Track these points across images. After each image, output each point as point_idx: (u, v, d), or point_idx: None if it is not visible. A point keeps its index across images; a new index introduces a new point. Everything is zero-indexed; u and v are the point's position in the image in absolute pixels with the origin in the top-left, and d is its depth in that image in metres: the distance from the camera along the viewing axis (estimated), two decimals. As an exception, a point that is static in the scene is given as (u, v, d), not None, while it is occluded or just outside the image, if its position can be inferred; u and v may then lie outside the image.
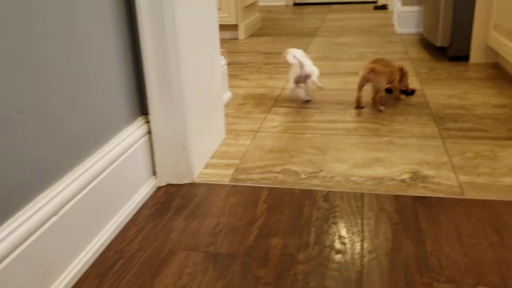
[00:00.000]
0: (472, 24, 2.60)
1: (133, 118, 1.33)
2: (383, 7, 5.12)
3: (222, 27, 3.74)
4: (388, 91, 2.20)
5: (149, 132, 1.38)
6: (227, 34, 3.78)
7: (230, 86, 2.40)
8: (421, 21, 3.28)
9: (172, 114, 1.36)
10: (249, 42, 3.62)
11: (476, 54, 2.65)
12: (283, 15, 5.02)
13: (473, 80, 2.34)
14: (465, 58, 2.70)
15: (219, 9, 3.66)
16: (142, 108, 1.38)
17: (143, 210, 1.30)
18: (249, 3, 3.89)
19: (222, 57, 2.15)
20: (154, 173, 1.42)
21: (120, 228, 1.22)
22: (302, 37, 3.69)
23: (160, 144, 1.38)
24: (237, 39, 3.75)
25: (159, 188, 1.42)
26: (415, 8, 3.57)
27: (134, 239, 1.18)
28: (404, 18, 3.62)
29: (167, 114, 1.36)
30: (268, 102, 2.15)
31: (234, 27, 3.74)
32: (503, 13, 2.32)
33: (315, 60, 2.91)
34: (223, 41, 3.63)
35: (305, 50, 3.21)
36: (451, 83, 2.30)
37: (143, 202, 1.34)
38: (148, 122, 1.38)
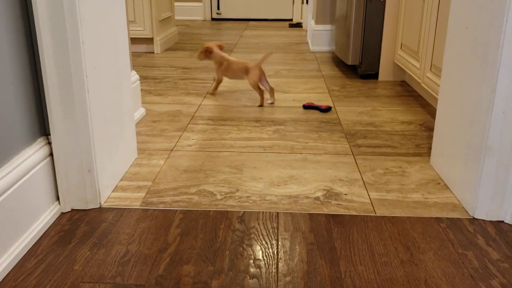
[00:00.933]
0: (381, 44, 2.73)
1: (32, 139, 1.22)
2: (298, 25, 5.26)
3: (137, 40, 3.64)
4: (308, 107, 2.23)
5: (51, 154, 1.27)
6: (142, 48, 3.68)
7: (144, 102, 2.32)
8: (333, 40, 3.40)
9: (75, 134, 1.26)
10: (166, 56, 3.54)
11: (384, 72, 2.78)
12: (201, 29, 4.99)
13: (381, 97, 2.44)
14: (375, 76, 2.82)
15: (134, 22, 3.55)
16: (42, 128, 1.27)
17: (44, 239, 1.19)
18: (165, 17, 3.81)
19: (134, 72, 2.07)
20: (57, 198, 1.31)
21: (17, 261, 1.11)
22: (219, 53, 3.68)
23: (63, 167, 1.28)
24: (152, 52, 3.66)
25: (62, 214, 1.31)
26: (327, 27, 3.69)
27: (32, 273, 1.07)
28: (317, 37, 3.73)
29: (70, 134, 1.26)
30: (184, 119, 2.10)
31: (150, 40, 3.64)
32: (408, 33, 2.45)
33: (231, 76, 2.89)
34: (138, 55, 3.52)
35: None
36: (361, 101, 2.38)
37: (44, 230, 1.23)
38: (49, 143, 1.27)
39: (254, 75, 2.23)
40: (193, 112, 2.20)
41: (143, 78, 2.83)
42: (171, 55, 3.57)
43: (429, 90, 2.06)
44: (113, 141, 1.44)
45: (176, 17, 5.39)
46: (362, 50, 2.77)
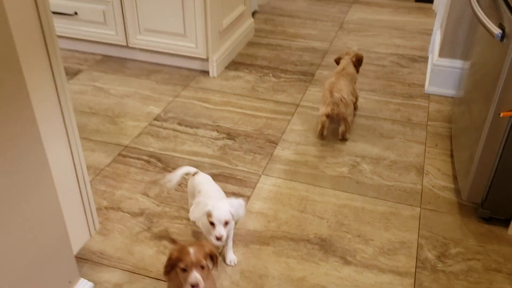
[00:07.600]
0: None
1: None
2: (429, -2, 3.85)
3: (190, 57, 2.79)
4: None
5: None
6: (196, 65, 2.81)
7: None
8: (463, 83, 2.21)
9: None
10: (220, 87, 2.64)
11: (522, 225, 1.69)
12: (293, 1, 3.85)
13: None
14: (506, 221, 1.74)
15: (184, 35, 2.66)
16: None
17: None
18: (231, 20, 2.83)
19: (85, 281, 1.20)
20: None
21: None
22: (297, 82, 2.68)
23: None
24: (207, 73, 2.77)
25: None
26: (456, 62, 2.46)
27: None
28: (438, 73, 2.52)
29: None
30: None
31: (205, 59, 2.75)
32: None
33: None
34: (186, 79, 2.65)
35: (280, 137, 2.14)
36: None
37: None
38: None
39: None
40: None
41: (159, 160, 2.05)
42: (229, 85, 2.66)
43: None
44: None
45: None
46: (490, 183, 1.68)
